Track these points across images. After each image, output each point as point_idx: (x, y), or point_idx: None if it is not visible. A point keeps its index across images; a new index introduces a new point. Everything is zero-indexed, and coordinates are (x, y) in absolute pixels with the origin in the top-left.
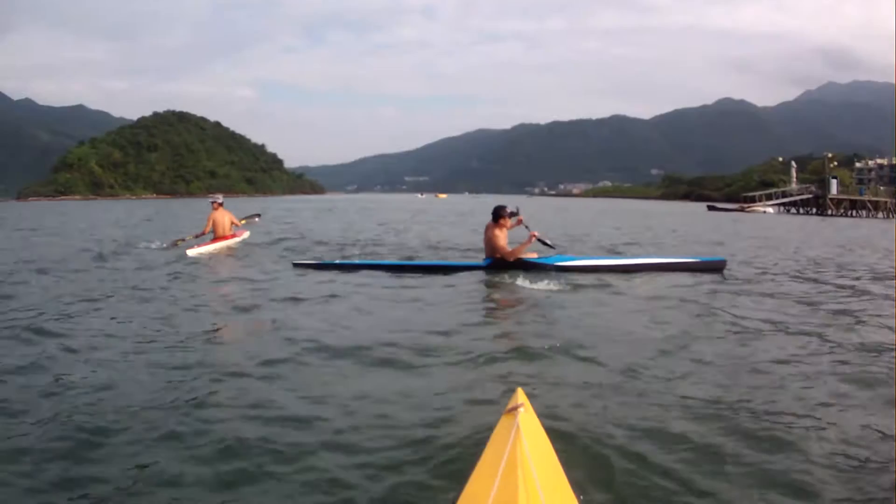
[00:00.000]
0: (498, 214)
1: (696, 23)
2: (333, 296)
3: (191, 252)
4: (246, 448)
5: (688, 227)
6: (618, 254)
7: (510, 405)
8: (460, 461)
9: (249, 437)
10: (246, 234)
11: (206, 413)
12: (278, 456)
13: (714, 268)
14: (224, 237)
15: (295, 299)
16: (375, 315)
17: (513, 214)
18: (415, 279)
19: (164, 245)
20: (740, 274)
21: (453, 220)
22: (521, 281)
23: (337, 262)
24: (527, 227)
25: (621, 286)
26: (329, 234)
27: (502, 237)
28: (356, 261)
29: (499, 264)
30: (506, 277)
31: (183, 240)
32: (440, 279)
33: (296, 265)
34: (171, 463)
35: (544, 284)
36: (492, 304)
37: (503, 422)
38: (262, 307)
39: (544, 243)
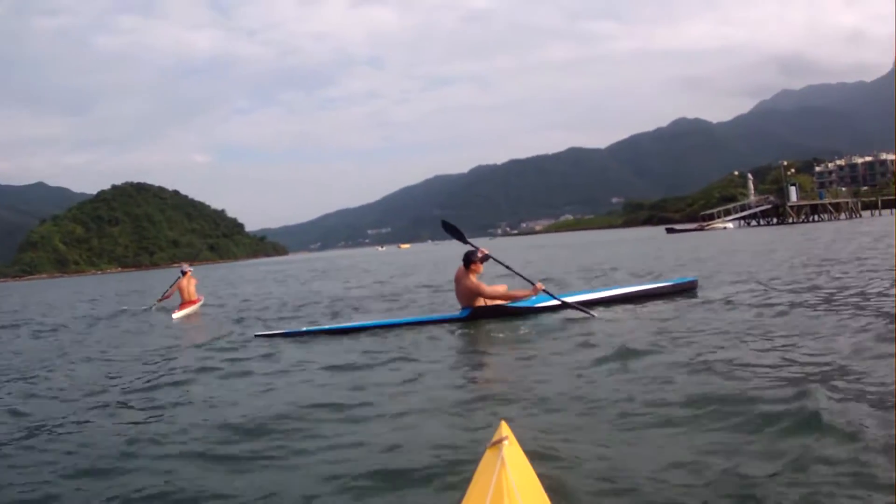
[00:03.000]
0: (469, 260)
1: (643, 46)
2: (289, 367)
3: (175, 315)
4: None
5: (646, 252)
6: (593, 287)
7: (494, 438)
8: (446, 495)
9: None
10: (202, 300)
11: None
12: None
13: (687, 289)
14: (191, 302)
15: (247, 372)
16: (347, 375)
17: (483, 259)
18: (391, 337)
19: (144, 308)
20: (713, 292)
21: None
22: (503, 326)
23: (304, 329)
24: (497, 260)
25: (602, 319)
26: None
27: (482, 284)
28: (324, 326)
29: (478, 313)
30: (486, 325)
31: (153, 306)
32: (416, 335)
33: (258, 336)
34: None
35: (526, 327)
36: (473, 352)
37: (488, 455)
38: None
39: (558, 300)
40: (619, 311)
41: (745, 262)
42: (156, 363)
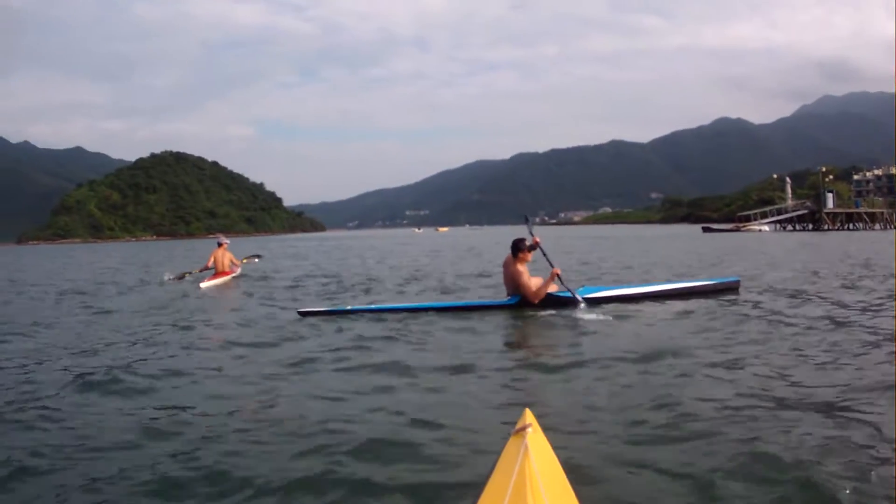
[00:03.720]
0: (518, 248)
1: (689, 43)
2: (327, 346)
3: (203, 285)
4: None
5: (682, 250)
6: (638, 282)
7: (518, 426)
8: (468, 483)
9: (256, 457)
10: (238, 271)
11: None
12: (285, 468)
13: (730, 288)
14: (223, 273)
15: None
16: (379, 356)
17: (532, 248)
18: (435, 321)
19: (173, 277)
20: (754, 293)
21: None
22: (546, 315)
23: (349, 307)
24: (545, 255)
25: (646, 313)
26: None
27: (526, 274)
28: (370, 306)
29: (525, 301)
30: (533, 314)
31: (190, 273)
32: (460, 320)
33: (301, 314)
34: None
35: (569, 318)
36: (512, 340)
37: (511, 442)
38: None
39: (567, 290)
40: (664, 306)
41: (783, 265)
42: (193, 338)
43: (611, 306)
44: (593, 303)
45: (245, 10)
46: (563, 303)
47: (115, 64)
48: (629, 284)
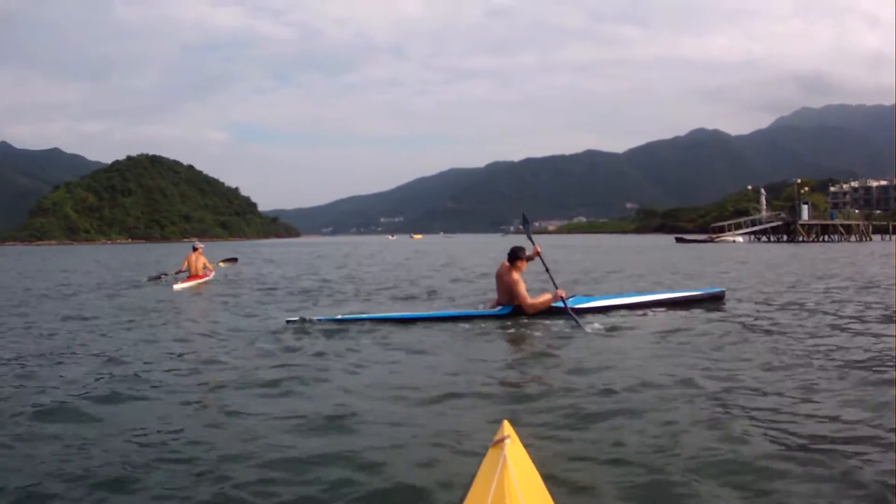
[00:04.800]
0: (516, 256)
1: (666, 54)
2: (311, 356)
3: (176, 287)
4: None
5: (652, 261)
6: (626, 292)
7: (497, 437)
8: (448, 494)
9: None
10: (211, 275)
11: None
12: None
13: (716, 297)
14: (197, 276)
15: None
16: (366, 367)
17: (530, 258)
18: (424, 330)
19: (147, 279)
20: (739, 303)
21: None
22: (537, 326)
23: (339, 317)
24: (548, 270)
25: (635, 324)
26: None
27: (522, 284)
28: (357, 315)
29: (519, 310)
30: (524, 324)
31: (166, 274)
32: (449, 330)
33: (290, 322)
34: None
35: (561, 329)
36: (501, 350)
37: (490, 454)
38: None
39: (570, 314)
40: (653, 317)
41: (758, 276)
42: (183, 347)
43: (601, 317)
44: (584, 313)
45: (224, 13)
46: (556, 313)
47: (94, 65)
48: (619, 295)
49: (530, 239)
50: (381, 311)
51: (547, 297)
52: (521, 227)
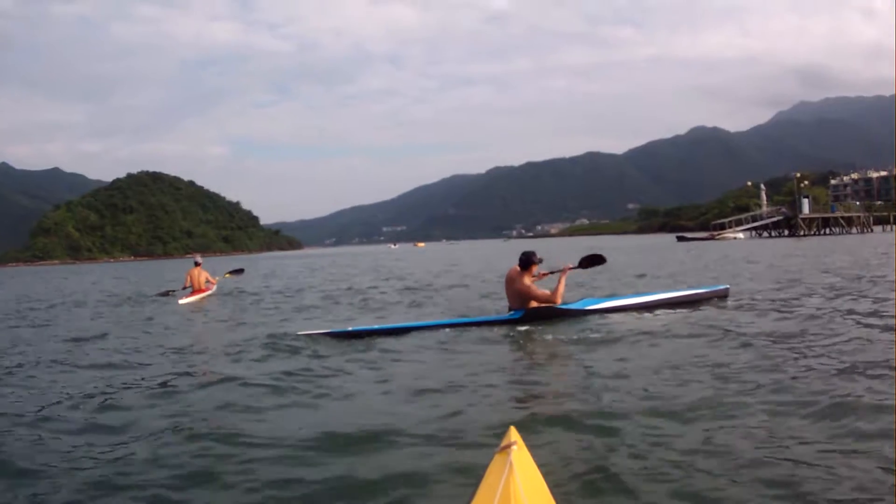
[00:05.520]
0: (529, 261)
1: (662, 54)
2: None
3: (181, 301)
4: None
5: (654, 261)
6: (633, 292)
7: (503, 443)
8: (453, 500)
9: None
10: (213, 289)
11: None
12: (280, 479)
13: (721, 295)
14: (200, 290)
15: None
16: (378, 371)
17: (540, 261)
18: (438, 339)
19: (156, 294)
20: (742, 300)
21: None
22: (550, 330)
23: (350, 329)
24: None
25: (644, 325)
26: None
27: (535, 287)
28: (372, 326)
29: (531, 315)
30: (535, 329)
31: (173, 291)
32: (463, 337)
33: (302, 335)
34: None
35: (573, 332)
36: (510, 356)
37: (496, 460)
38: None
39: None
40: (661, 317)
41: (761, 272)
42: (187, 359)
43: (611, 319)
44: (592, 314)
45: (221, 28)
46: (570, 315)
47: (93, 84)
48: (627, 295)
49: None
50: (391, 321)
51: (561, 280)
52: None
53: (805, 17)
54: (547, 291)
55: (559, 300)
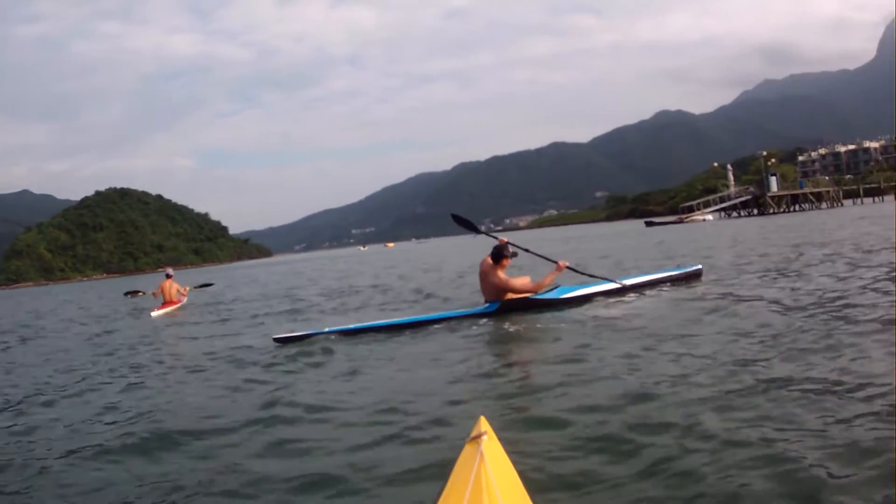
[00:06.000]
0: (501, 254)
1: (624, 39)
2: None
3: (154, 314)
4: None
5: (624, 247)
6: (607, 278)
7: (473, 433)
8: (426, 489)
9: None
10: (184, 301)
11: None
12: (245, 484)
13: (694, 275)
14: (172, 302)
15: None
16: (351, 368)
17: (513, 254)
18: (414, 335)
19: (125, 294)
20: (716, 279)
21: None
22: (526, 320)
23: (326, 330)
24: (518, 247)
25: (620, 310)
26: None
27: (509, 277)
28: (346, 326)
29: (506, 307)
30: (509, 320)
31: (143, 293)
32: (440, 332)
33: (277, 340)
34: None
35: (549, 321)
36: (484, 347)
37: (467, 450)
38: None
39: (585, 273)
40: (637, 301)
41: (729, 252)
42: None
43: (586, 306)
44: (567, 303)
45: (181, 40)
46: (545, 305)
47: (56, 103)
48: (601, 281)
49: (483, 232)
50: (367, 319)
51: (550, 276)
52: (491, 226)
53: None
54: (527, 281)
55: (541, 288)
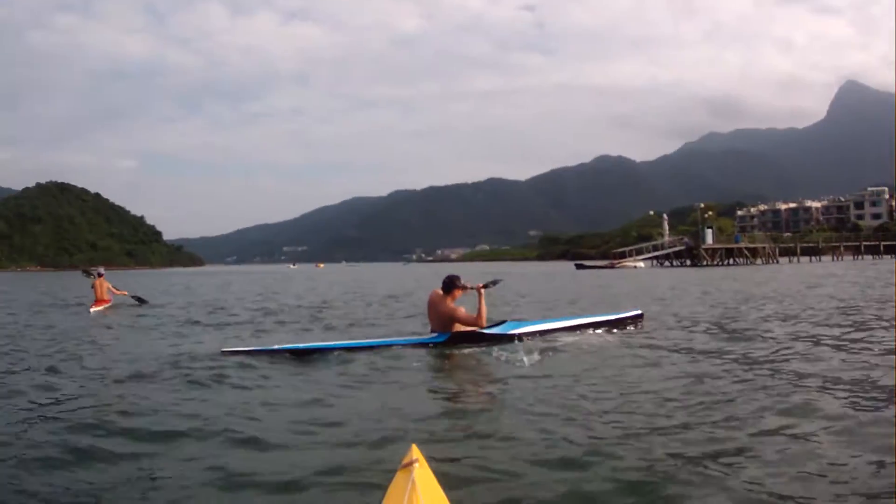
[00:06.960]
0: (452, 285)
1: (570, 81)
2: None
3: (92, 310)
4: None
5: (553, 288)
6: (555, 316)
7: (405, 461)
8: None
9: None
10: (112, 301)
11: None
12: None
13: (636, 319)
14: (103, 301)
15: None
16: (292, 390)
17: (464, 288)
18: (358, 359)
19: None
20: (656, 324)
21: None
22: (473, 352)
23: (275, 347)
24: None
25: (562, 348)
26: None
27: (461, 309)
28: (296, 345)
29: (455, 338)
30: (458, 351)
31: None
32: (384, 358)
33: (225, 353)
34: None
35: (496, 355)
36: (426, 377)
37: (398, 477)
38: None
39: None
40: (578, 339)
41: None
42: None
43: (535, 342)
44: (516, 338)
45: (135, 40)
46: (494, 339)
47: (3, 91)
48: (550, 319)
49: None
50: (308, 340)
51: (481, 302)
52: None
53: (720, 48)
54: (472, 314)
55: (484, 322)
